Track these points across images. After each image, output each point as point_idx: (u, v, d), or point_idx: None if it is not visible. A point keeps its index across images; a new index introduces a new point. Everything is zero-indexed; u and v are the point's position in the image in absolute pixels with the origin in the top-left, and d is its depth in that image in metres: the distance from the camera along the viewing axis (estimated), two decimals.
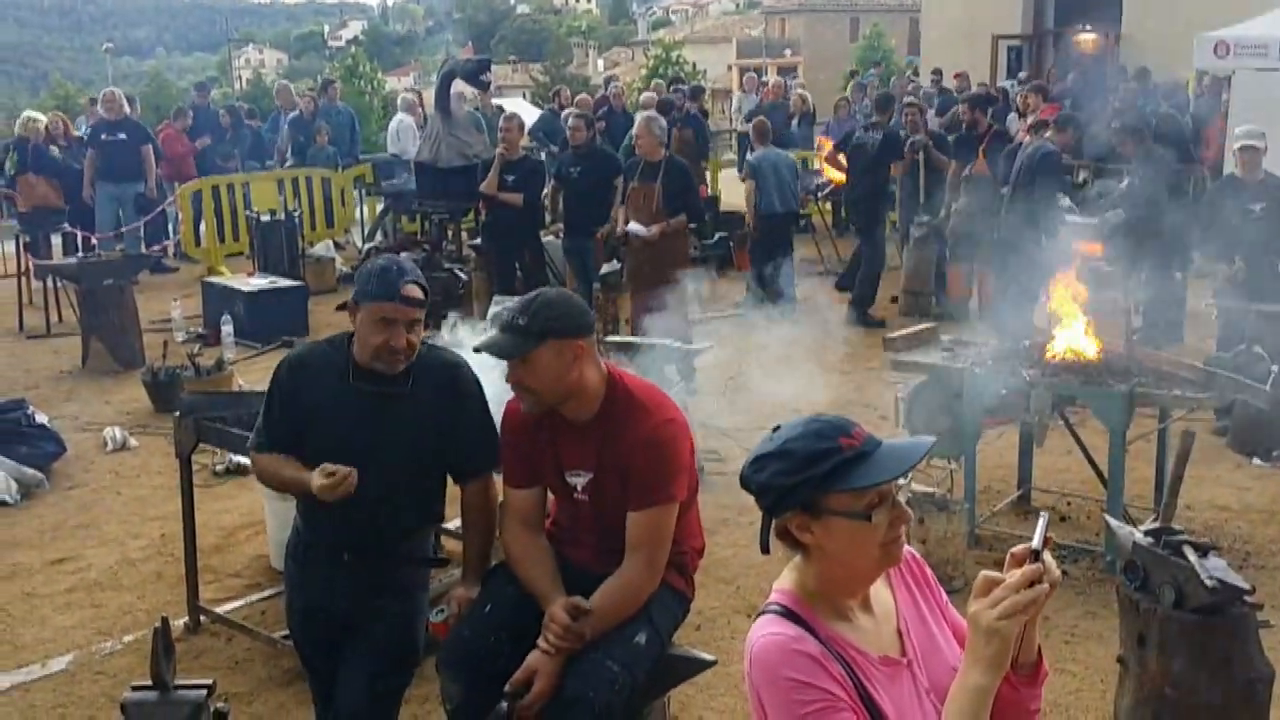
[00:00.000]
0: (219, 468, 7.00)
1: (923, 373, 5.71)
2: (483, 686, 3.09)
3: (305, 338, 10.18)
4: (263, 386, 3.81)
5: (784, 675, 1.81)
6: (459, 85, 10.97)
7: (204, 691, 2.40)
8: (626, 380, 3.22)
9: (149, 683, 2.38)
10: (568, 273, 9.59)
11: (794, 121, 15.45)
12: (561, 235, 9.24)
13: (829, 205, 13.46)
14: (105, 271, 8.93)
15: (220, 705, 2.52)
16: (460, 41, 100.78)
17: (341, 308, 3.30)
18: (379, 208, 13.69)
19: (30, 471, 6.58)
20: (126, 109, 12.08)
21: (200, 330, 9.98)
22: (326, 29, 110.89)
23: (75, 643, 4.97)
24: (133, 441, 7.47)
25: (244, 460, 7.04)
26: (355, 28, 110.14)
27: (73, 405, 8.27)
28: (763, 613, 1.93)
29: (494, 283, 9.40)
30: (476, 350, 3.25)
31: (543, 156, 12.33)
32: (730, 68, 55.96)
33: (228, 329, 9.41)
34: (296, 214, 11.23)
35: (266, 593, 5.40)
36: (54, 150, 11.78)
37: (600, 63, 66.21)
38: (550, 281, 9.45)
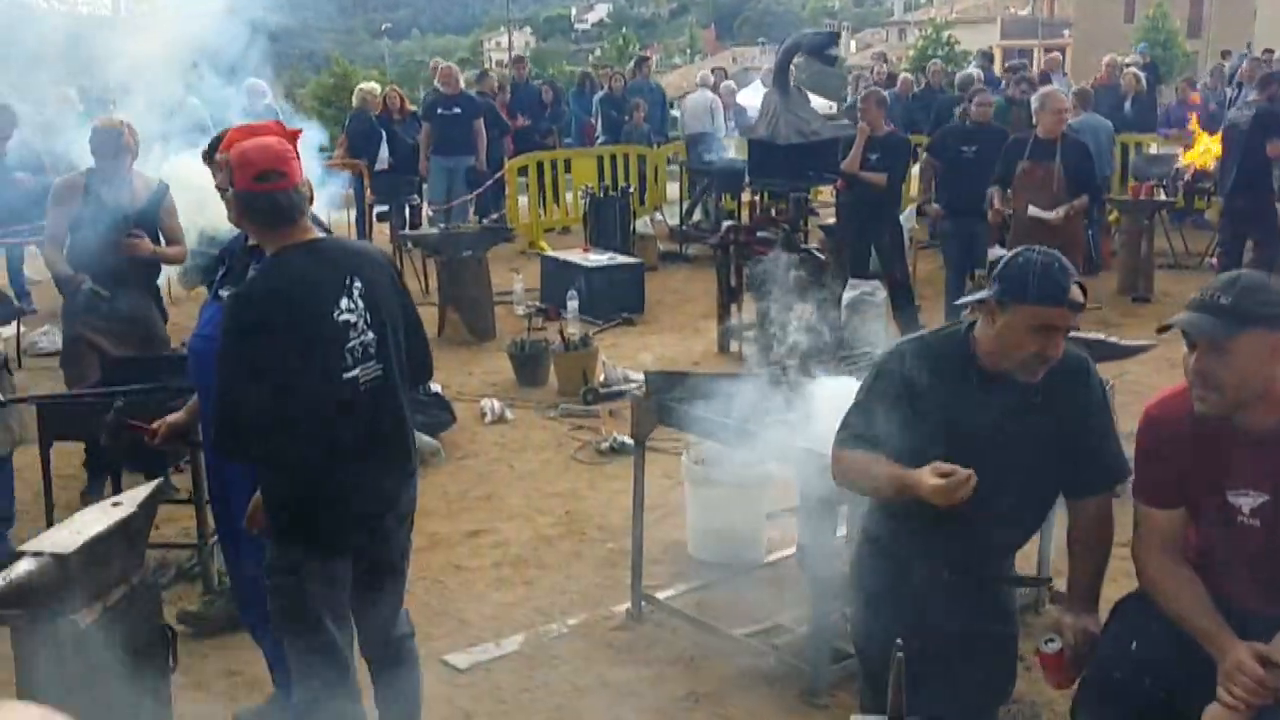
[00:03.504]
0: (604, 445, 6.84)
1: None
2: None
3: (641, 315, 10.05)
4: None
5: None
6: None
7: None
8: None
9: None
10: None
11: (1127, 103, 14.38)
12: (942, 218, 8.68)
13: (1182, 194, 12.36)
14: (464, 243, 8.98)
15: None
16: (703, 24, 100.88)
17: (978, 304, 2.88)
18: (690, 186, 13.48)
19: (429, 440, 6.58)
20: (462, 84, 12.24)
21: (539, 304, 9.95)
22: (574, 11, 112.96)
23: (520, 622, 4.84)
24: (509, 414, 7.42)
25: (627, 440, 6.89)
26: (601, 10, 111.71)
27: (438, 375, 8.30)
28: None
29: (847, 266, 8.96)
30: (1160, 330, 2.81)
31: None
32: (992, 48, 53.88)
33: (573, 304, 9.34)
34: (630, 190, 11.10)
35: (694, 583, 5.16)
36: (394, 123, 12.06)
37: (852, 44, 64.79)
38: (909, 266, 8.96)
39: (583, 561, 5.43)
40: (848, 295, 8.63)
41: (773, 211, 9.17)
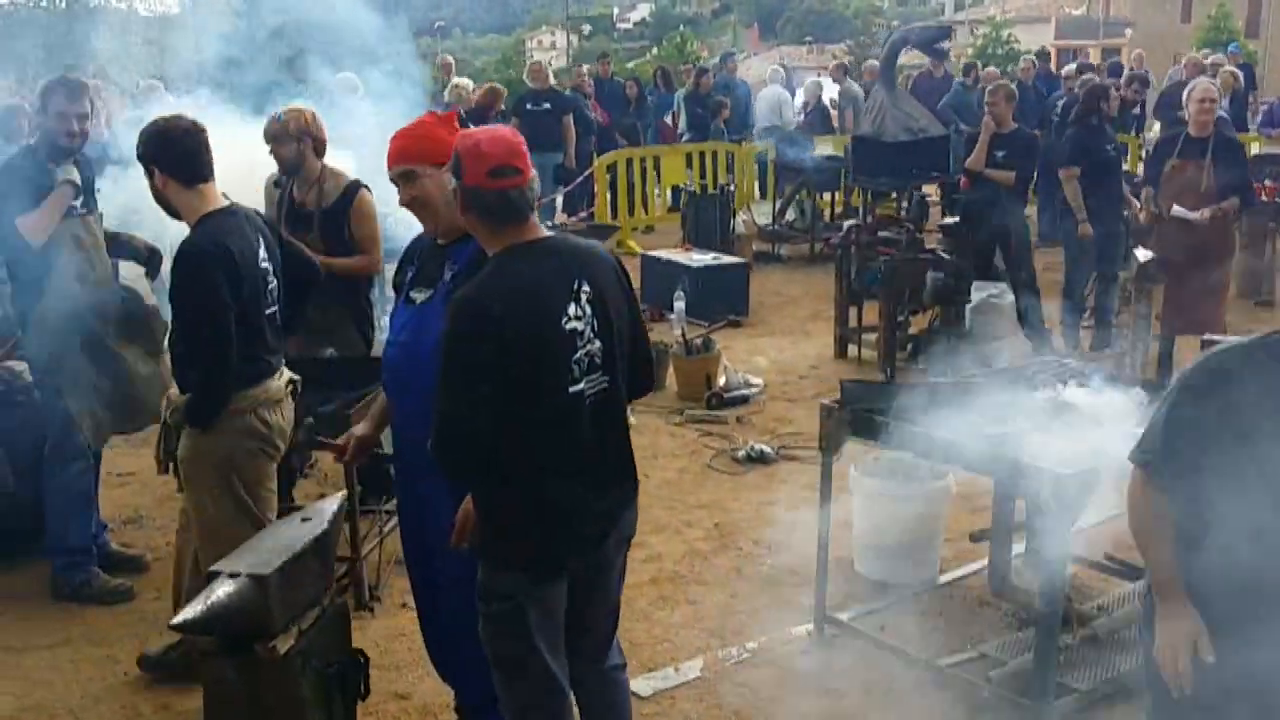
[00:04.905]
0: (740, 453, 6.54)
1: None
2: None
3: (746, 316, 9.73)
4: None
5: None
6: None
7: None
8: None
9: None
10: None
11: (1225, 101, 13.92)
12: (1085, 220, 8.25)
13: None
14: None
15: None
16: (745, 23, 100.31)
17: None
18: (778, 184, 13.14)
19: None
20: (552, 79, 11.98)
21: (642, 305, 9.63)
22: (615, 11, 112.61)
23: (694, 645, 4.55)
24: (633, 419, 7.11)
25: (766, 448, 6.60)
26: (643, 10, 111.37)
27: None
28: None
29: (970, 267, 8.59)
30: None
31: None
32: (1043, 48, 53.15)
33: (680, 305, 9.03)
34: (731, 188, 10.79)
35: (872, 604, 4.83)
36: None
37: None
38: (1033, 268, 8.59)
39: (744, 579, 5.13)
40: (973, 298, 8.29)
41: (862, 211, 8.79)
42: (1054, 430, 3.91)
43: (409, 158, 3.30)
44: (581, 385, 2.95)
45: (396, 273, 3.67)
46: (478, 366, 2.86)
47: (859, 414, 4.25)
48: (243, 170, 5.47)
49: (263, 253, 3.88)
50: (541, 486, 2.96)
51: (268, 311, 3.90)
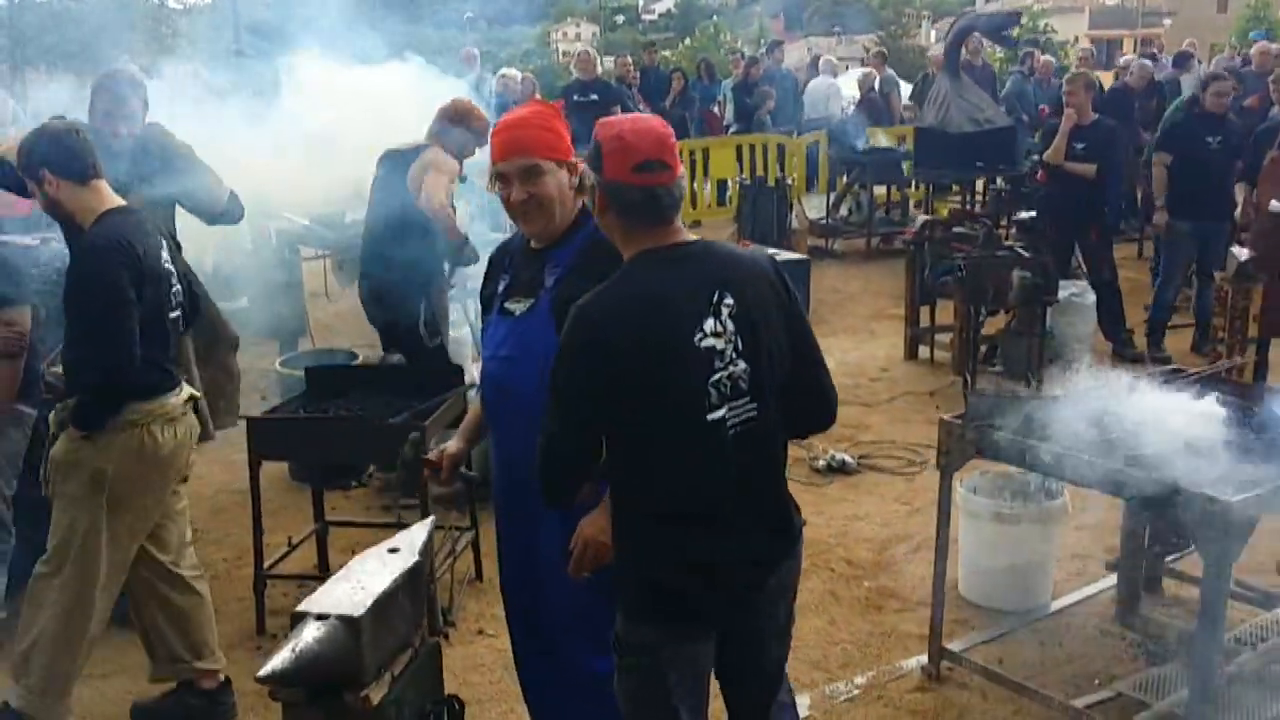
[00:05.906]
0: (820, 463, 6.19)
1: None
2: None
3: (807, 315, 9.35)
4: None
5: None
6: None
7: None
8: None
9: None
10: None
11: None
12: (1175, 217, 7.86)
13: None
14: None
15: None
16: (771, 14, 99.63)
17: None
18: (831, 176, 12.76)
19: None
20: (599, 69, 11.62)
21: None
22: (641, 2, 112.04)
23: (797, 680, 4.15)
24: None
25: (847, 458, 6.25)
26: (669, 1, 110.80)
27: None
28: None
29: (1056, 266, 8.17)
30: None
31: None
32: (1075, 39, 52.82)
33: None
34: (790, 181, 10.42)
35: (985, 633, 4.46)
36: None
37: (933, 33, 63.33)
38: (1115, 265, 8.20)
39: (841, 604, 4.78)
40: (1060, 296, 7.89)
41: (927, 205, 8.42)
42: (1211, 450, 3.53)
43: (535, 150, 2.94)
44: (722, 412, 2.58)
45: (484, 284, 3.33)
46: (588, 383, 2.54)
47: (986, 432, 3.88)
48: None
49: (164, 254, 3.71)
50: (678, 525, 2.62)
51: (171, 316, 3.73)
